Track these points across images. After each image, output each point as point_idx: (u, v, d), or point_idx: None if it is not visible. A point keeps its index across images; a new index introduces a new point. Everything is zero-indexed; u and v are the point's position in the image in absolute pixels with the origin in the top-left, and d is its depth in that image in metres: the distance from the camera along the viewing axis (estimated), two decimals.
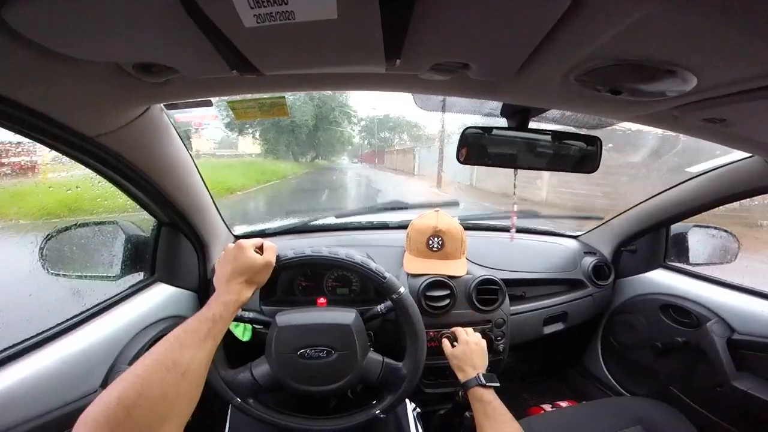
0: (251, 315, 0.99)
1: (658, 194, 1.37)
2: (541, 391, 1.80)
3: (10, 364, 0.68)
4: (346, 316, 0.95)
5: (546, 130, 0.88)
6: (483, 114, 0.89)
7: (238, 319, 0.98)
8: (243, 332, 1.00)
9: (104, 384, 0.82)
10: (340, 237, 1.56)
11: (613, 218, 1.60)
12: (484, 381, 0.96)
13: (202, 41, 0.43)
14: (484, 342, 1.10)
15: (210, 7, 0.36)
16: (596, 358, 1.69)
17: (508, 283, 1.33)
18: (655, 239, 1.52)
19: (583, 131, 0.92)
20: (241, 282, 0.75)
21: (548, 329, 1.46)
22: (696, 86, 0.53)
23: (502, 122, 0.87)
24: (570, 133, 0.88)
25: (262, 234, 1.52)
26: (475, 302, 1.25)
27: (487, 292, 1.27)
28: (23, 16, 0.37)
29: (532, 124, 0.86)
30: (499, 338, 1.28)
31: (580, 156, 0.89)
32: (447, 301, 1.23)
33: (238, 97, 0.77)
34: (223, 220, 1.32)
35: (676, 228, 1.49)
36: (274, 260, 0.83)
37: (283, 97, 0.83)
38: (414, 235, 1.30)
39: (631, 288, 1.57)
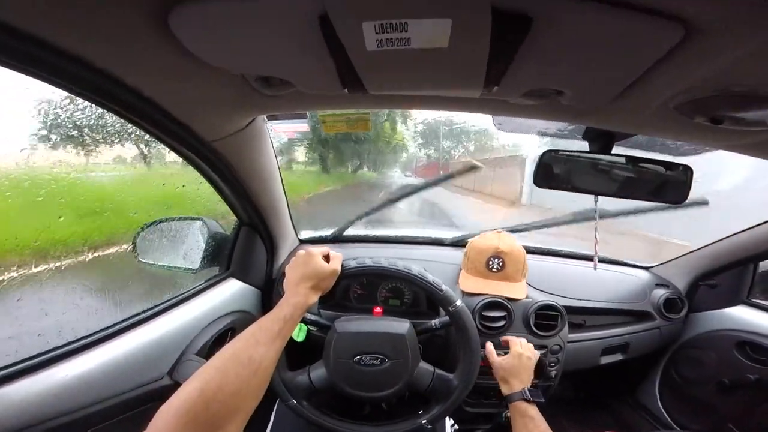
0: (313, 317, 1.03)
1: (751, 228, 1.28)
2: (582, 420, 1.73)
3: (94, 348, 0.76)
4: (401, 326, 0.97)
5: (631, 156, 0.85)
6: (563, 137, 0.89)
7: (302, 321, 1.01)
8: (298, 332, 1.04)
9: (171, 372, 0.88)
10: (396, 249, 1.58)
11: (693, 251, 1.51)
12: (529, 396, 0.94)
13: (326, 60, 0.48)
14: (537, 354, 1.08)
15: (342, 30, 0.41)
16: (652, 391, 1.61)
17: (569, 310, 1.29)
18: (740, 275, 1.42)
19: (670, 158, 0.88)
20: (308, 287, 0.80)
21: (606, 359, 1.41)
22: None
23: (584, 145, 0.86)
24: (657, 160, 0.84)
25: (325, 240, 1.58)
26: (533, 327, 1.23)
27: (546, 317, 1.25)
28: (185, 23, 0.42)
29: (615, 149, 0.84)
30: (552, 364, 1.26)
31: (666, 185, 0.85)
32: (503, 323, 1.22)
33: (329, 111, 0.83)
34: (293, 224, 1.39)
35: (764, 264, 1.40)
36: (339, 269, 0.87)
37: (368, 113, 0.88)
38: (473, 254, 1.30)
39: (705, 323, 1.47)
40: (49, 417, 0.65)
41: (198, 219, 1.15)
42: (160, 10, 0.41)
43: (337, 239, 1.59)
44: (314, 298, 0.80)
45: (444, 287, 0.94)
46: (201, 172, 0.86)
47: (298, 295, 0.77)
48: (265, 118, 0.88)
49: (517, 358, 1.04)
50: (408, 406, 1.03)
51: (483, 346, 1.07)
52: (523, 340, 1.12)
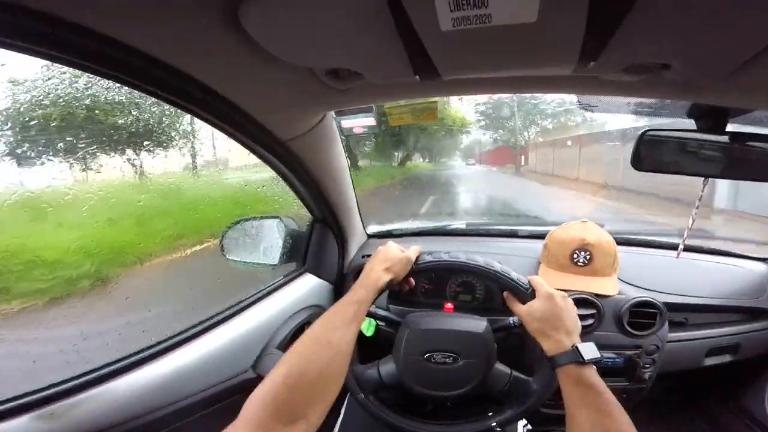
0: (382, 313, 1.02)
1: None
2: (671, 424, 1.58)
3: (185, 344, 0.81)
4: (478, 324, 0.93)
5: (749, 134, 0.73)
6: (663, 115, 0.78)
7: (371, 315, 1.02)
8: (368, 327, 1.04)
9: (255, 365, 0.92)
10: (468, 242, 1.53)
11: None
12: (583, 356, 0.70)
13: (396, 45, 0.45)
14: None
15: (414, 9, 0.38)
16: (761, 396, 1.40)
17: (668, 307, 1.16)
18: None
19: None
20: (381, 269, 0.80)
21: (710, 361, 1.27)
22: None
23: (688, 124, 0.75)
24: None
25: (392, 234, 1.58)
26: (626, 326, 1.13)
27: (642, 315, 1.14)
28: (254, 17, 0.42)
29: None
30: (647, 366, 1.15)
31: None
32: (591, 321, 1.13)
33: (393, 103, 0.81)
34: (361, 219, 1.40)
35: None
36: (413, 258, 0.87)
37: (435, 101, 0.84)
38: (554, 247, 1.21)
39: None
40: (148, 411, 0.71)
41: (275, 217, 1.21)
42: (230, 6, 0.41)
43: (405, 233, 1.58)
44: (386, 279, 0.79)
45: (525, 282, 0.88)
46: (277, 171, 0.90)
47: (370, 278, 0.78)
48: (334, 115, 0.89)
49: (550, 300, 0.80)
50: (476, 406, 0.99)
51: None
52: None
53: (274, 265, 1.18)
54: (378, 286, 0.78)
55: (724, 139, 0.74)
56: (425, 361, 0.90)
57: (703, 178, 0.78)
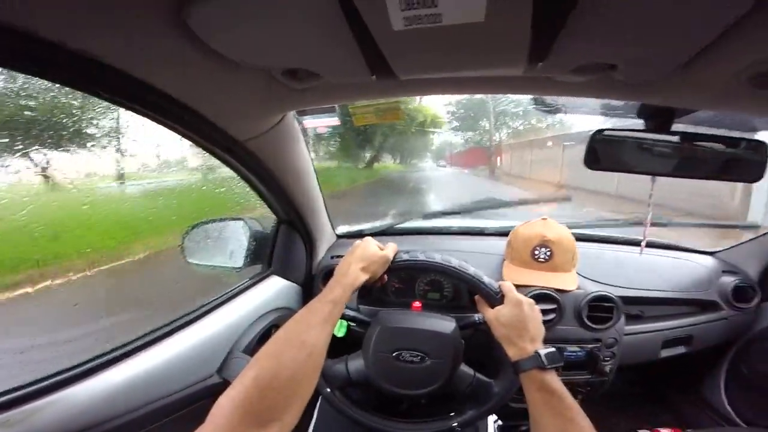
0: (352, 313, 1.02)
1: None
2: (635, 416, 1.65)
3: (147, 349, 0.79)
4: (446, 325, 0.94)
5: (693, 133, 0.77)
6: (614, 115, 0.82)
7: (342, 316, 1.01)
8: (339, 328, 1.04)
9: (220, 370, 0.90)
10: (435, 241, 1.55)
11: (766, 234, 1.37)
12: (545, 362, 0.72)
13: (351, 45, 0.45)
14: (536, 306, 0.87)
15: (365, 10, 0.38)
16: (717, 385, 1.50)
17: (624, 300, 1.21)
18: None
19: (738, 134, 0.79)
20: (358, 268, 0.80)
21: (666, 352, 1.33)
22: None
23: (638, 124, 0.79)
24: (724, 136, 0.76)
25: (362, 234, 1.57)
26: (585, 319, 1.17)
27: (600, 309, 1.18)
28: (201, 18, 0.41)
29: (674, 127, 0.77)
30: (607, 359, 1.19)
31: (738, 162, 0.76)
32: (552, 316, 1.17)
33: (358, 103, 0.81)
34: (329, 219, 1.39)
35: None
36: (391, 256, 0.87)
37: (398, 101, 0.85)
38: (517, 244, 1.24)
39: None
40: (108, 418, 0.68)
41: (239, 219, 1.18)
42: (175, 7, 0.40)
43: (375, 232, 1.58)
44: (363, 278, 0.80)
45: (496, 287, 0.90)
46: (237, 171, 0.88)
47: (347, 276, 0.78)
48: (295, 115, 0.88)
49: (518, 307, 0.82)
50: (439, 406, 1.00)
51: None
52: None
53: (239, 267, 1.15)
54: (355, 285, 0.78)
55: (671, 138, 0.78)
56: (394, 359, 0.90)
57: (651, 177, 0.83)
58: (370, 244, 0.86)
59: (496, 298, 0.87)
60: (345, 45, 0.46)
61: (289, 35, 0.45)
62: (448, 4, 0.37)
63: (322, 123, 0.93)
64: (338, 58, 0.51)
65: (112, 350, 0.75)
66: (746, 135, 0.78)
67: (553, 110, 0.83)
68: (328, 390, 0.93)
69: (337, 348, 1.00)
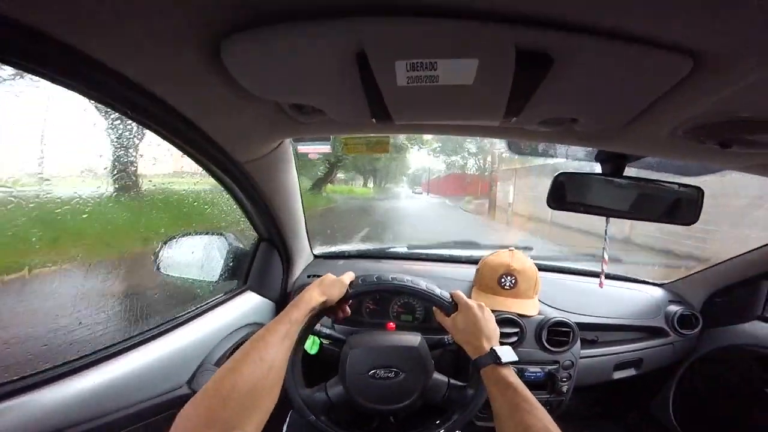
0: (326, 331, 1.05)
1: (764, 246, 1.29)
2: None
3: (116, 357, 0.78)
4: (413, 339, 1.00)
5: (643, 179, 0.88)
6: (577, 159, 0.91)
7: (316, 333, 1.04)
8: (312, 345, 1.07)
9: (190, 381, 0.90)
10: (411, 266, 1.60)
11: (707, 268, 1.52)
12: (501, 357, 0.78)
13: (359, 93, 0.52)
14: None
15: (377, 67, 0.45)
16: (665, 405, 1.60)
17: (581, 326, 1.30)
18: (755, 291, 1.42)
19: (683, 179, 0.90)
20: (315, 290, 0.84)
21: (618, 374, 1.42)
22: None
23: (597, 167, 0.88)
24: (669, 182, 0.87)
25: (340, 255, 1.61)
26: (545, 342, 1.25)
27: (559, 333, 1.27)
28: (235, 55, 0.46)
29: (627, 171, 0.87)
30: (564, 379, 1.27)
31: (678, 206, 0.87)
32: (515, 339, 1.24)
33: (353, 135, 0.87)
34: (309, 240, 1.42)
35: None
36: (347, 281, 0.91)
37: (387, 136, 0.92)
38: (485, 272, 1.32)
39: (721, 338, 1.47)
40: (72, 424, 0.67)
41: (218, 233, 1.19)
42: (214, 42, 0.44)
43: (350, 255, 1.62)
44: (319, 299, 0.83)
45: (448, 297, 0.95)
46: (228, 190, 0.91)
47: (302, 298, 0.81)
48: (292, 140, 0.93)
49: (470, 311, 0.89)
50: (424, 419, 1.04)
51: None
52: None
53: (214, 282, 1.15)
54: (310, 305, 0.81)
55: (624, 182, 0.88)
56: (370, 378, 0.94)
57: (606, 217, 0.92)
58: (328, 275, 0.91)
59: (449, 307, 0.93)
60: (354, 93, 0.52)
61: (307, 78, 0.51)
62: (445, 69, 0.43)
63: (315, 149, 0.97)
64: (345, 102, 0.57)
65: (82, 357, 0.74)
66: (689, 180, 0.90)
67: (524, 154, 0.92)
68: (314, 417, 0.94)
69: (316, 368, 1.02)
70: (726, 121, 0.53)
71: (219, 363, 0.96)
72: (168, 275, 1.12)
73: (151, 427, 0.80)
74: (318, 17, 0.40)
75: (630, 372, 1.44)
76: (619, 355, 1.40)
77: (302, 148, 0.98)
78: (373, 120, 0.60)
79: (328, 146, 0.94)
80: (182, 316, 0.98)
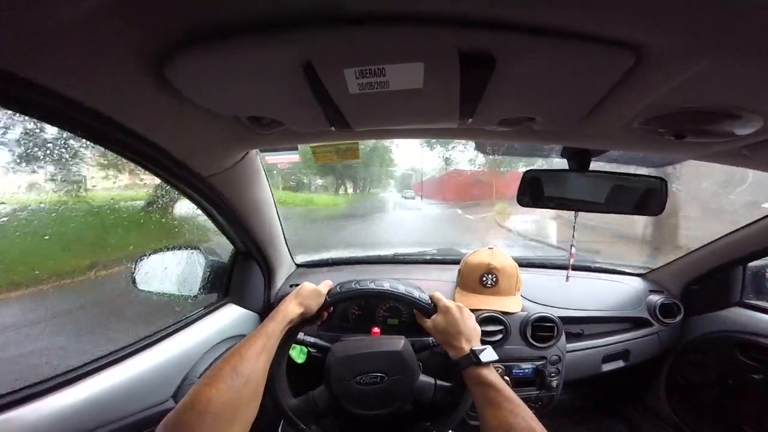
0: (311, 340, 1.05)
1: (735, 231, 1.31)
2: (594, 429, 1.74)
3: (98, 373, 0.77)
4: (396, 343, 0.99)
5: (608, 172, 0.89)
6: (543, 156, 0.92)
7: (300, 342, 1.04)
8: (298, 354, 1.06)
9: (175, 395, 0.90)
10: (393, 269, 1.61)
11: (684, 256, 1.54)
12: (480, 358, 0.78)
13: (312, 103, 0.52)
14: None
15: (326, 77, 0.45)
16: (659, 396, 1.62)
17: (566, 320, 1.31)
18: (731, 277, 1.45)
19: (648, 170, 0.92)
20: (293, 303, 0.85)
21: (607, 366, 1.43)
22: (763, 127, 0.55)
23: (563, 163, 0.89)
24: (633, 174, 0.88)
25: (320, 264, 1.60)
26: (530, 339, 1.25)
27: (543, 329, 1.27)
28: (180, 71, 0.46)
29: (594, 165, 0.88)
30: (553, 374, 1.27)
31: (644, 198, 0.88)
32: (499, 336, 1.24)
33: (318, 143, 0.87)
34: (288, 250, 1.41)
35: (753, 265, 1.42)
36: (324, 290, 0.92)
37: (357, 142, 0.92)
38: (466, 272, 1.32)
39: (703, 325, 1.50)
40: None
41: (194, 248, 1.18)
42: (156, 59, 0.44)
43: (333, 262, 1.61)
44: (296, 311, 0.84)
45: (427, 299, 0.96)
46: (197, 204, 0.90)
47: (279, 311, 0.82)
48: (258, 152, 0.92)
49: (449, 313, 0.89)
50: (414, 421, 1.03)
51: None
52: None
53: (192, 296, 1.14)
54: (288, 318, 0.82)
55: (591, 176, 0.89)
56: (356, 384, 0.94)
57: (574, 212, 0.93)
58: (305, 284, 0.92)
59: (428, 309, 0.94)
60: (307, 103, 0.52)
61: (257, 91, 0.51)
62: (393, 74, 0.44)
63: (284, 159, 0.97)
64: (301, 113, 0.57)
65: (64, 372, 0.74)
66: (653, 171, 0.91)
67: (490, 152, 0.93)
68: (303, 426, 0.94)
69: (303, 377, 1.01)
70: (677, 112, 0.55)
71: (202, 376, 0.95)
72: (145, 291, 1.11)
73: None
74: (260, 31, 0.40)
75: (618, 364, 1.45)
76: (606, 347, 1.41)
77: (270, 158, 0.97)
78: (332, 128, 0.61)
79: (296, 155, 0.95)
80: (164, 329, 0.97)
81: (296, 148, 0.87)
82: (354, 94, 0.48)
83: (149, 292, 1.12)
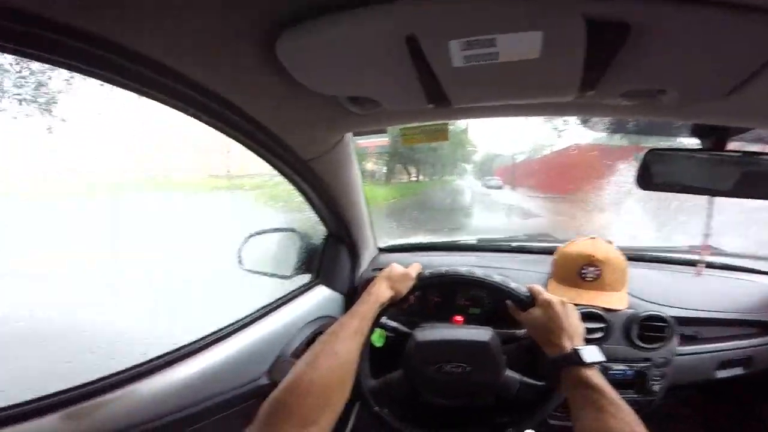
0: (392, 324, 1.05)
1: None
2: None
3: (202, 352, 0.85)
4: (484, 333, 0.95)
5: (750, 152, 0.75)
6: (667, 134, 0.81)
7: (381, 326, 1.05)
8: (378, 338, 1.07)
9: (269, 372, 0.96)
10: (479, 257, 1.55)
11: None
12: (585, 358, 0.71)
13: (412, 79, 0.50)
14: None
15: (429, 49, 0.42)
16: None
17: (679, 321, 1.18)
18: None
19: None
20: (384, 286, 0.86)
21: (723, 373, 1.26)
22: None
23: (692, 143, 0.77)
24: None
25: (404, 248, 1.61)
26: (635, 339, 1.14)
27: (652, 329, 1.15)
28: (290, 51, 0.47)
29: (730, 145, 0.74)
30: (656, 377, 1.16)
31: None
32: (600, 334, 1.15)
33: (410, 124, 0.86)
34: (372, 234, 1.44)
35: None
36: (413, 273, 0.91)
37: (446, 123, 0.88)
38: (562, 262, 1.23)
39: None
40: (168, 413, 0.75)
41: (292, 230, 1.25)
42: (267, 38, 0.46)
43: (415, 247, 1.61)
44: (387, 295, 0.84)
45: (525, 291, 0.91)
46: (298, 187, 0.96)
47: (371, 293, 0.83)
48: (352, 135, 0.94)
49: (549, 307, 0.82)
50: (492, 415, 1.00)
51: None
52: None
53: (288, 276, 1.21)
54: (380, 301, 0.83)
55: (727, 157, 0.76)
56: (436, 372, 0.92)
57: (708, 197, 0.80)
58: (395, 266, 0.92)
59: (525, 301, 0.88)
60: (407, 78, 0.50)
61: (359, 69, 0.51)
62: (505, 44, 0.40)
63: (373, 143, 0.98)
64: (400, 90, 0.56)
65: (173, 351, 0.83)
66: None
67: (597, 128, 0.83)
68: (377, 408, 0.95)
69: (380, 360, 1.03)
70: None
71: (295, 354, 1.02)
72: (249, 270, 1.21)
73: (236, 415, 0.87)
74: (363, 4, 0.39)
75: (737, 371, 1.27)
76: (724, 353, 1.25)
77: (361, 142, 0.99)
78: (430, 106, 0.58)
79: (386, 138, 0.94)
80: (260, 310, 1.05)
81: (385, 131, 0.87)
82: (457, 68, 0.45)
83: (251, 271, 1.22)
